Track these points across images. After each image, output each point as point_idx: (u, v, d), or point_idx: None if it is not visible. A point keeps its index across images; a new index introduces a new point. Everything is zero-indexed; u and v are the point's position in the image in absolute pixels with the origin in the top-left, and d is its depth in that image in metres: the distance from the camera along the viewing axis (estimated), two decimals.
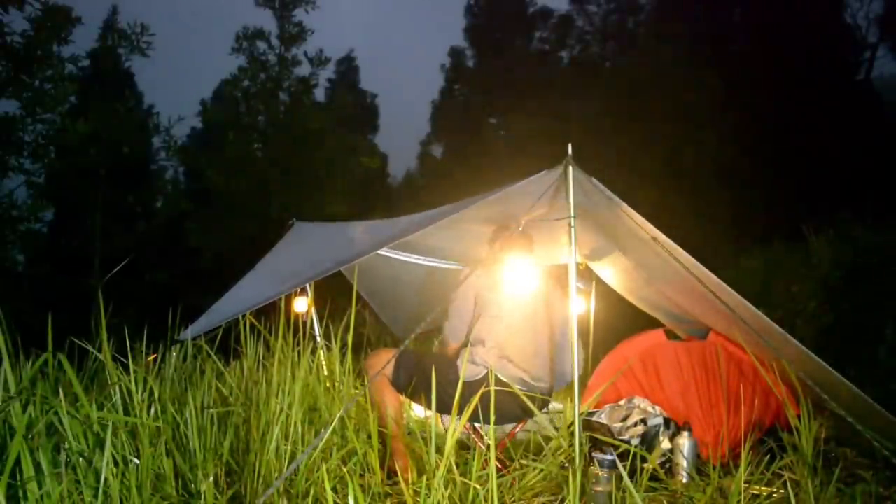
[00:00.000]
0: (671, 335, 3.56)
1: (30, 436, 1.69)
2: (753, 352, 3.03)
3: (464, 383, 2.45)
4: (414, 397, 2.73)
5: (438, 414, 2.68)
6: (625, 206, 2.72)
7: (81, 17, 9.86)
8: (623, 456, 2.39)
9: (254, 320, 2.82)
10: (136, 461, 1.90)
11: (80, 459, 1.81)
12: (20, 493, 1.65)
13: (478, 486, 2.02)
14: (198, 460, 2.12)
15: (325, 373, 3.10)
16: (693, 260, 2.77)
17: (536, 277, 3.00)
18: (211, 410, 2.29)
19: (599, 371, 3.49)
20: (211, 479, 1.94)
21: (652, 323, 3.88)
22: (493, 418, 2.42)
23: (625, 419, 3.10)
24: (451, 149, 24.24)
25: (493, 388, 2.54)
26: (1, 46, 9.02)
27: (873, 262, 5.17)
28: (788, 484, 2.38)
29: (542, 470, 2.55)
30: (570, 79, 20.37)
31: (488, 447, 2.05)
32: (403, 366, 2.75)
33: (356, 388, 3.23)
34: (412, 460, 2.61)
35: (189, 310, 3.14)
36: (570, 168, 2.55)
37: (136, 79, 18.50)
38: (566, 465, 2.60)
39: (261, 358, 2.76)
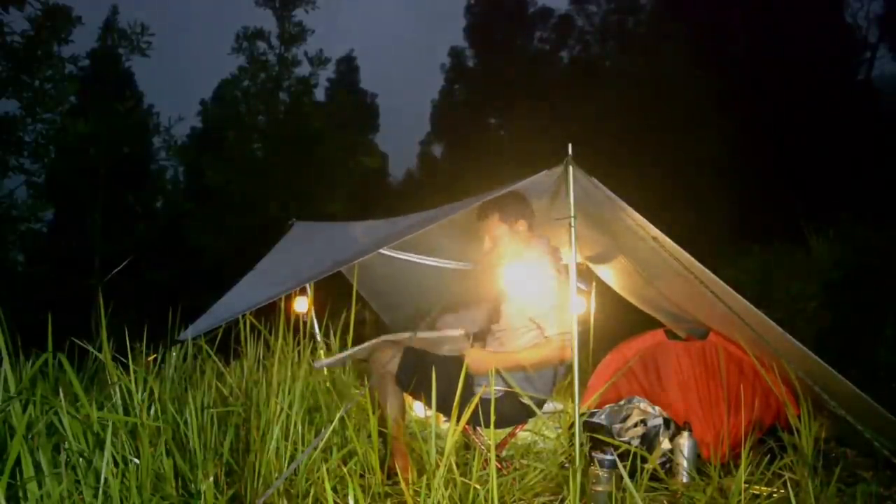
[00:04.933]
0: (671, 335, 3.56)
1: (30, 436, 1.69)
2: (753, 351, 3.03)
3: (472, 394, 2.43)
4: (417, 395, 2.71)
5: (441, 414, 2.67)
6: (625, 205, 2.71)
7: (81, 17, 9.89)
8: (623, 456, 2.39)
9: (254, 320, 2.81)
10: (136, 461, 1.89)
11: (80, 459, 1.81)
12: (20, 493, 1.65)
13: (478, 486, 2.01)
14: (198, 460, 2.12)
15: (326, 373, 3.10)
16: (693, 260, 2.77)
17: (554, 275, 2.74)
18: (211, 410, 2.29)
19: (599, 371, 3.49)
20: (211, 479, 1.94)
21: (652, 323, 3.87)
22: (493, 419, 2.42)
23: (625, 420, 3.10)
24: (451, 149, 24.27)
25: (493, 389, 2.54)
26: (1, 46, 9.03)
27: (873, 262, 5.17)
28: (788, 484, 2.38)
29: (542, 470, 2.55)
30: (570, 79, 20.38)
31: (488, 447, 2.05)
32: (408, 363, 2.72)
33: (356, 387, 3.23)
34: (412, 460, 2.61)
35: (189, 310, 3.14)
36: (571, 168, 2.55)
37: (136, 79, 18.49)
38: (566, 465, 2.60)
39: (261, 358, 2.75)
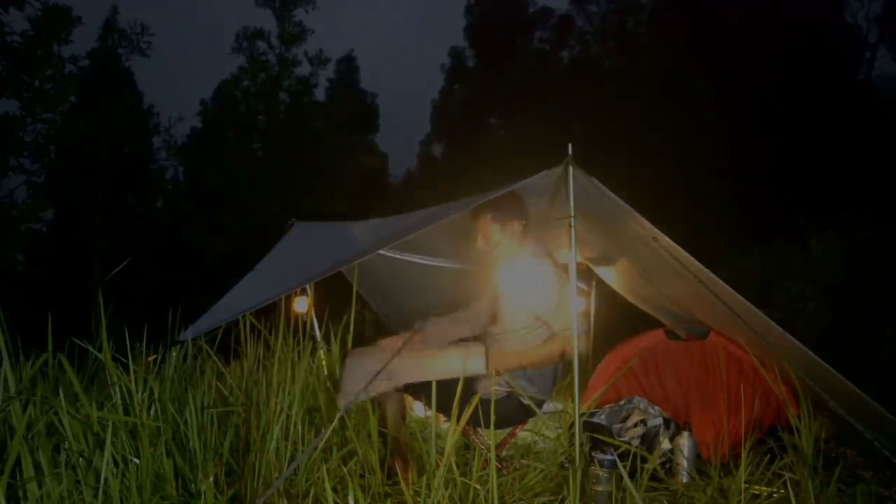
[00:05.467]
0: (671, 335, 3.56)
1: (30, 436, 1.69)
2: (753, 351, 3.02)
3: (472, 393, 2.43)
4: (417, 395, 2.69)
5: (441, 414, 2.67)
6: (625, 205, 2.71)
7: (81, 17, 9.90)
8: (623, 456, 2.39)
9: (254, 320, 2.81)
10: (136, 461, 1.89)
11: (80, 459, 1.81)
12: (20, 493, 1.65)
13: (478, 486, 2.01)
14: (198, 460, 2.12)
15: (325, 373, 3.10)
16: (693, 260, 2.77)
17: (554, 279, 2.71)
18: (211, 410, 2.29)
19: (599, 371, 3.49)
20: (211, 479, 1.94)
21: (652, 323, 3.87)
22: (493, 419, 2.41)
23: (625, 420, 3.10)
24: (451, 149, 24.27)
25: (493, 389, 2.54)
26: (1, 46, 9.03)
27: (873, 262, 5.17)
28: (788, 484, 2.38)
29: (542, 470, 2.55)
30: (570, 79, 20.38)
31: (488, 447, 2.05)
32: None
33: None
34: (412, 460, 2.60)
35: (189, 310, 3.14)
36: (571, 168, 2.55)
37: (136, 79, 18.48)
38: (566, 465, 2.60)
39: (261, 358, 2.75)
